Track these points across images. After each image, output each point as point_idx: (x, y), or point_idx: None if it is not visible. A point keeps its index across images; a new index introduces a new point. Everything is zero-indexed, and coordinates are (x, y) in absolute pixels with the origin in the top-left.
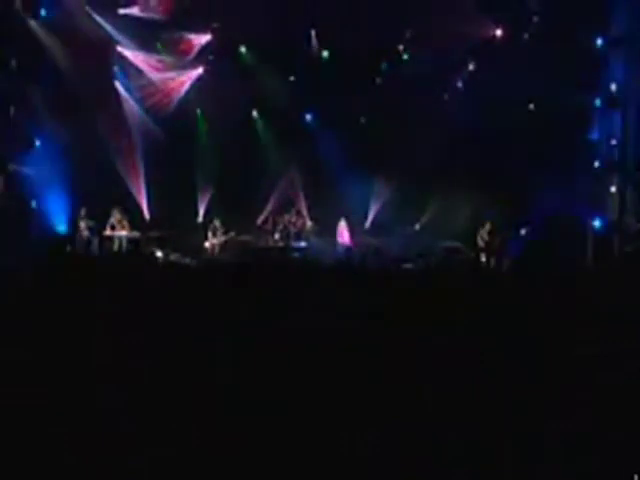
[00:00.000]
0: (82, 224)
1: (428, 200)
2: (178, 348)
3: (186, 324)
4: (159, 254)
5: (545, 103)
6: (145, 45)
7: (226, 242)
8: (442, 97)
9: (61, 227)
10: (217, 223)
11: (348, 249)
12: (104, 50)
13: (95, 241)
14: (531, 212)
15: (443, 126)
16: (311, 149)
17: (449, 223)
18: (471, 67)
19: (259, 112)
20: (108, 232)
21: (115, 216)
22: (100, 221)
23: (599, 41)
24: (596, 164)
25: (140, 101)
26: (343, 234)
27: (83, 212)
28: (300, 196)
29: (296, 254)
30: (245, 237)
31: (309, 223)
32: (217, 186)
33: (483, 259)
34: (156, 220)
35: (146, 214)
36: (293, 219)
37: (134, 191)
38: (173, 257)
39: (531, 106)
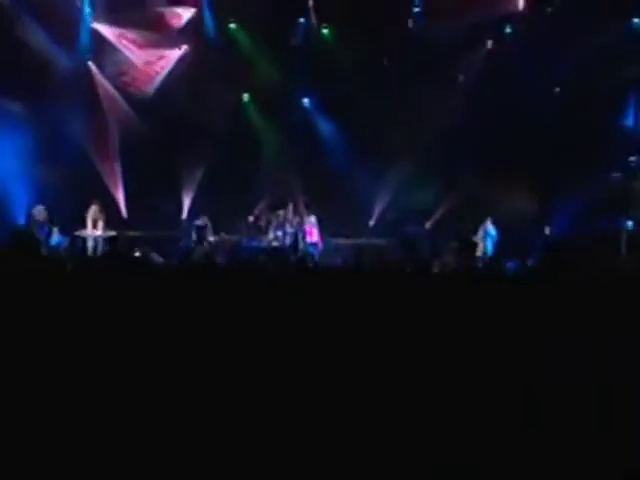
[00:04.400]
0: (38, 217)
1: (441, 195)
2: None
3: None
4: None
5: (573, 85)
6: (123, 19)
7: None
8: (456, 79)
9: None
10: (204, 220)
11: (315, 247)
12: (75, 25)
13: (55, 237)
14: (555, 208)
15: (458, 111)
16: (309, 137)
17: (463, 221)
18: (489, 45)
19: (251, 96)
20: (89, 231)
21: (92, 213)
22: (73, 219)
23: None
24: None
25: (117, 83)
26: (312, 232)
27: (39, 208)
28: (297, 191)
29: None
30: (235, 236)
31: (307, 220)
32: (204, 179)
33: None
34: (135, 218)
35: (123, 211)
36: (290, 216)
37: (110, 185)
38: (155, 259)
39: (557, 89)
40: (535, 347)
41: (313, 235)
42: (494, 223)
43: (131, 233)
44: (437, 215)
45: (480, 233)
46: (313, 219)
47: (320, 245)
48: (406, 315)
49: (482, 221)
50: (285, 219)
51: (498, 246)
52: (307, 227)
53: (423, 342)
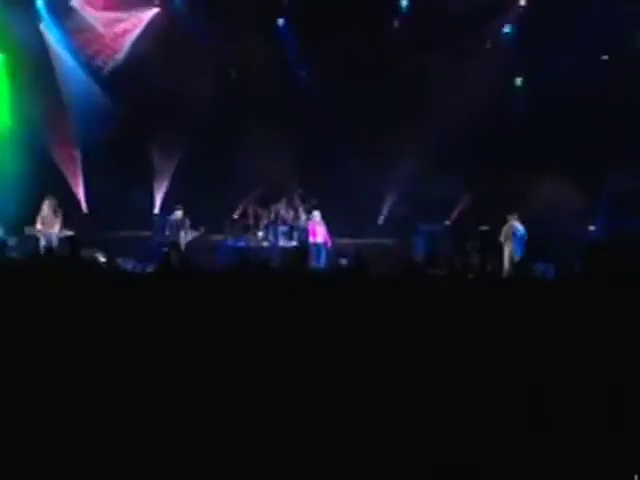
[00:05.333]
0: None
1: (461, 189)
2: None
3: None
4: (102, 259)
5: (624, 53)
6: None
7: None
8: (483, 45)
9: None
10: (180, 215)
11: (322, 248)
12: None
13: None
14: (598, 203)
15: (483, 85)
16: (306, 118)
17: (486, 218)
18: (522, 2)
19: (236, 68)
20: (38, 227)
21: (46, 208)
22: (21, 217)
23: None
24: None
25: (75, 52)
26: (316, 231)
27: None
28: (292, 181)
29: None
30: (218, 236)
31: (303, 217)
32: (180, 167)
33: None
34: (97, 214)
35: (84, 206)
36: (282, 211)
37: (67, 175)
38: (119, 262)
39: (604, 57)
40: (563, 353)
41: (318, 234)
42: (520, 220)
43: (92, 232)
44: (457, 211)
45: (505, 232)
46: (317, 216)
47: (329, 244)
48: (415, 316)
49: (506, 218)
50: (277, 215)
51: (527, 247)
52: (310, 225)
53: (431, 343)
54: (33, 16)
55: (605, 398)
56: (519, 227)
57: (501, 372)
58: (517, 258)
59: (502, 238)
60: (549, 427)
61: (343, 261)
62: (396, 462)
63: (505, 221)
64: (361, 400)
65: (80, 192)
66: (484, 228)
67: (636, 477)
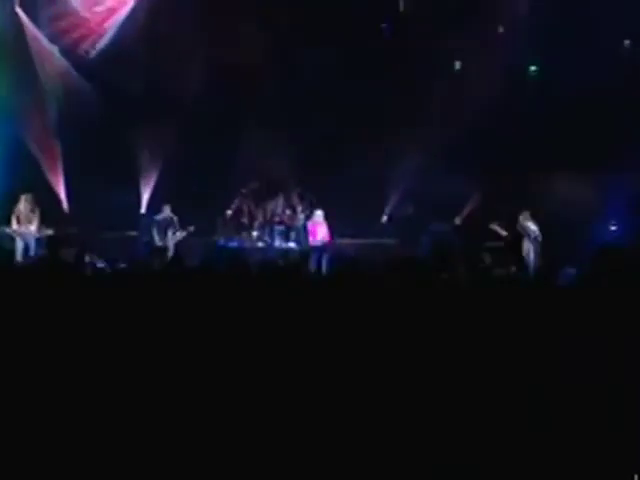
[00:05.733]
0: None
1: (472, 185)
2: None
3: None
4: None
5: None
6: None
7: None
8: (495, 31)
9: None
10: (168, 214)
11: (322, 251)
12: None
13: None
14: (614, 201)
15: (495, 76)
16: (305, 112)
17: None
18: None
19: (229, 58)
20: (14, 227)
21: (22, 206)
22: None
23: None
24: None
25: (55, 39)
26: (316, 231)
27: None
28: (289, 177)
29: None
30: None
31: (302, 217)
32: (168, 163)
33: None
34: (79, 212)
35: (64, 204)
36: (279, 210)
37: (46, 171)
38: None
39: (626, 42)
40: (562, 352)
41: (318, 234)
42: (534, 219)
43: (73, 231)
44: (468, 209)
45: (521, 231)
46: (320, 215)
47: (329, 246)
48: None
49: (521, 216)
50: (274, 214)
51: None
52: (310, 225)
53: (431, 343)
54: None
55: (605, 398)
56: (533, 227)
57: (500, 372)
58: (533, 259)
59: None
60: (549, 427)
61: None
62: (396, 462)
63: (516, 220)
64: (361, 400)
65: (60, 188)
66: (494, 244)
67: (636, 477)
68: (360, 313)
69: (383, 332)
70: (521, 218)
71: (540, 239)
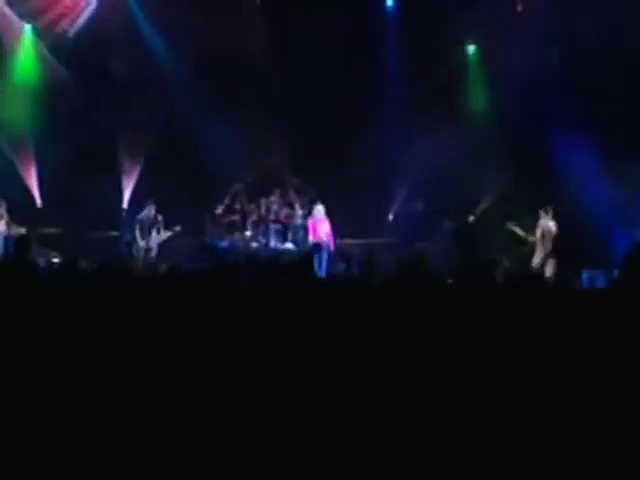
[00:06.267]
0: None
1: (488, 179)
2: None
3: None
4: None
5: None
6: None
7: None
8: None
9: None
10: (152, 212)
11: (324, 250)
12: None
13: None
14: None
15: (512, 61)
16: (301, 100)
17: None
18: None
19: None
20: None
21: None
22: None
23: None
24: None
25: (30, 21)
26: (317, 229)
27: None
28: (286, 171)
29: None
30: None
31: (300, 214)
32: (152, 155)
33: (537, 260)
34: (54, 209)
35: (37, 199)
36: (275, 207)
37: (17, 163)
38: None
39: None
40: (561, 352)
41: (319, 233)
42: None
43: (47, 230)
44: (483, 205)
45: (539, 230)
46: (321, 211)
47: (331, 245)
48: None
49: (540, 213)
50: (269, 211)
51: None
52: (310, 222)
53: (431, 343)
54: None
55: (605, 398)
56: (552, 226)
57: (499, 372)
58: (553, 262)
59: (537, 236)
60: (547, 427)
61: (342, 266)
62: (396, 462)
63: (538, 217)
64: (360, 400)
65: (33, 182)
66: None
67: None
68: (355, 315)
69: (383, 332)
70: (542, 214)
71: (558, 239)
